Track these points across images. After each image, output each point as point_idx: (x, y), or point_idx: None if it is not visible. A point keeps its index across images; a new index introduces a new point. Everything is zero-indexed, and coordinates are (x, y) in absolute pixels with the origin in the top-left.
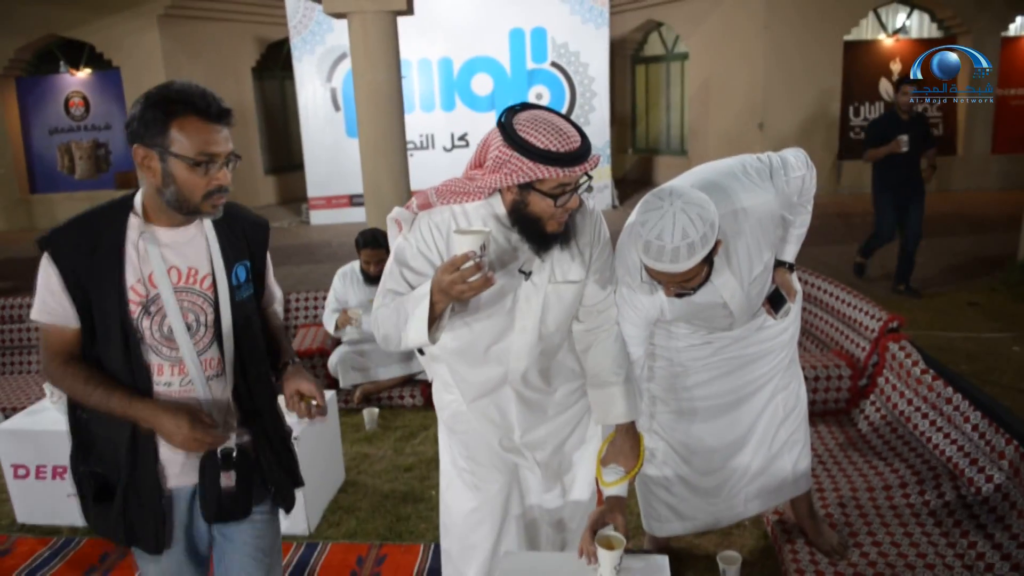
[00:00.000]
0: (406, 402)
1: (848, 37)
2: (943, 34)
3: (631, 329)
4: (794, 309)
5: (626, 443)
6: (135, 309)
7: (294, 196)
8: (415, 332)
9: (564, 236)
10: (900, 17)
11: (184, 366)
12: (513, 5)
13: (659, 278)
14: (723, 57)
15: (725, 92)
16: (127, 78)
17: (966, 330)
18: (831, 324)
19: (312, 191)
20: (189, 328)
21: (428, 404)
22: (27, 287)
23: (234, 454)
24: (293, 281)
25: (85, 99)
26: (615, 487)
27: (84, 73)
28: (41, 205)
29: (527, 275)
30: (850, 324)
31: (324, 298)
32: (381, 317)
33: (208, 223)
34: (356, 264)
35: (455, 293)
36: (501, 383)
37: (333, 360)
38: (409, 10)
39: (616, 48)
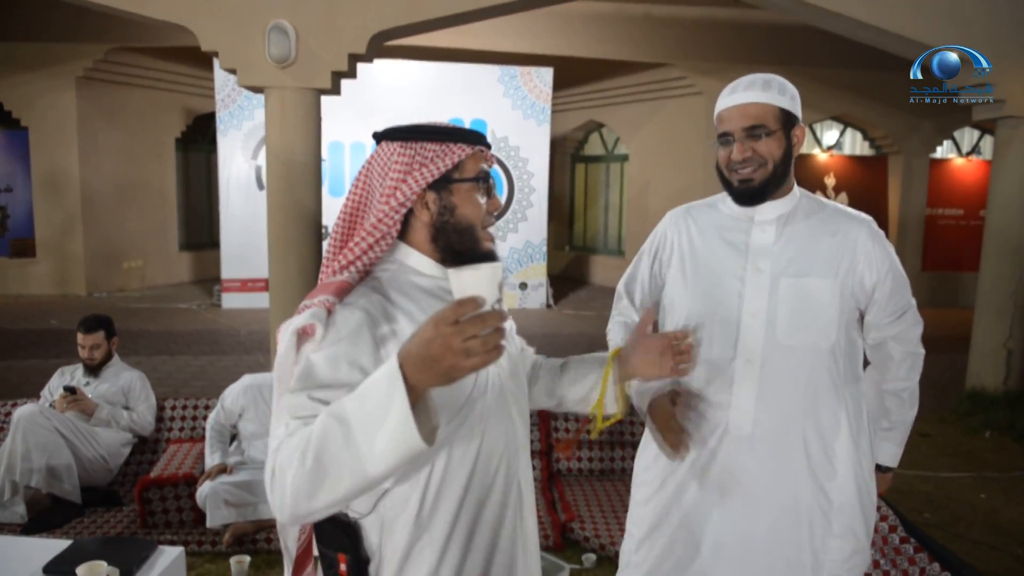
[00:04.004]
0: None
1: None
2: (875, 152)
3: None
4: (863, 528)
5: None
6: None
7: (209, 275)
8: (391, 434)
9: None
10: (834, 134)
11: None
12: (455, 95)
13: (729, 119)
14: (662, 162)
15: (664, 196)
16: (35, 140)
17: (921, 468)
18: None
19: (226, 271)
20: None
21: None
22: None
23: None
24: (187, 375)
25: None
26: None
27: None
28: None
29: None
30: None
31: (209, 407)
32: (284, 457)
33: None
34: (267, 375)
35: (448, 363)
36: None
37: (203, 491)
38: (335, 90)
39: (557, 145)
